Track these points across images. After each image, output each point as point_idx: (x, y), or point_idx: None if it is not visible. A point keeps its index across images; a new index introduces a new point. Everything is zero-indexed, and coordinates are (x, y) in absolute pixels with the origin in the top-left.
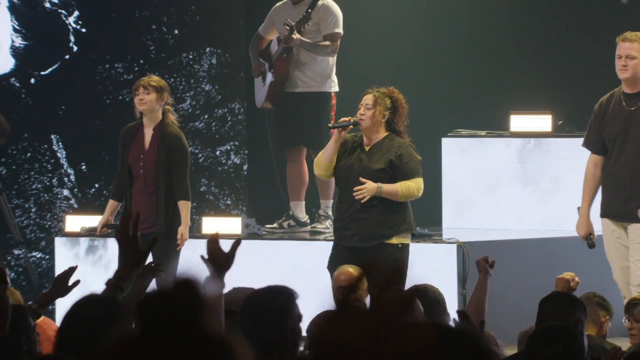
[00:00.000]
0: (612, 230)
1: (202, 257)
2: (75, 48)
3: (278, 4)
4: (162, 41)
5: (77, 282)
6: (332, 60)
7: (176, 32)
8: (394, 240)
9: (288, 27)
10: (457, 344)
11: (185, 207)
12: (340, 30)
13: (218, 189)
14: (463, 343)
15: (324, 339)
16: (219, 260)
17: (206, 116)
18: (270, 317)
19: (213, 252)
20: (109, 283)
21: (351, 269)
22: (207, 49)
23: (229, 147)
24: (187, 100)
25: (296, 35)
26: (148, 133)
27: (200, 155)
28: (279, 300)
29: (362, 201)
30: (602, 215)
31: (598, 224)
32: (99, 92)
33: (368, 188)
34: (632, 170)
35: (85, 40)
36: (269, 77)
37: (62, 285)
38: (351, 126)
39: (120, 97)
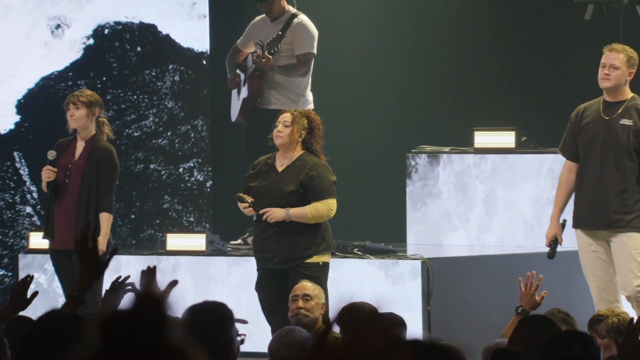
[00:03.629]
0: (589, 243)
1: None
2: (38, 65)
3: (257, 18)
4: (125, 58)
5: (35, 294)
6: (307, 78)
7: (139, 49)
8: (314, 259)
9: (260, 46)
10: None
11: (106, 219)
12: (313, 50)
13: (181, 206)
14: (441, 357)
15: None
16: (92, 267)
17: (169, 133)
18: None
19: (89, 258)
20: (71, 295)
21: (309, 284)
22: (170, 66)
23: (192, 164)
24: (150, 117)
25: (266, 59)
26: (80, 146)
27: (163, 172)
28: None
29: (269, 220)
30: (575, 225)
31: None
32: (61, 109)
33: (275, 213)
34: (607, 179)
35: (48, 57)
36: (243, 92)
37: (21, 297)
38: (249, 205)
39: None
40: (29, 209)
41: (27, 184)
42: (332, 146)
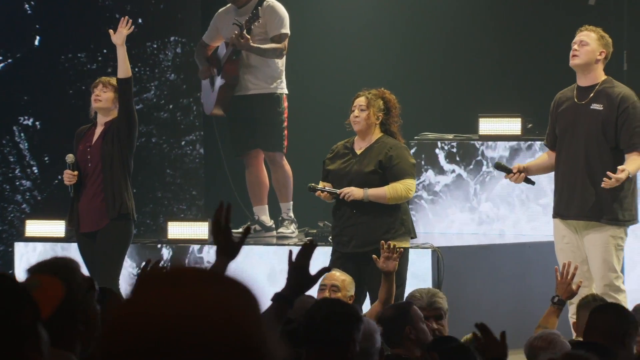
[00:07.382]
0: (562, 235)
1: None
2: (37, 37)
3: (221, 10)
4: None
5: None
6: (282, 62)
7: (140, 21)
8: None
9: (238, 26)
10: None
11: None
12: (287, 30)
13: (182, 180)
14: None
15: None
16: (226, 247)
17: (171, 106)
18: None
19: (223, 238)
20: None
21: (338, 274)
22: (172, 38)
23: (194, 137)
24: (152, 90)
25: (245, 39)
26: (99, 130)
27: (165, 145)
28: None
29: (346, 199)
30: (554, 215)
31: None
32: (62, 80)
33: (353, 191)
34: (581, 167)
35: (47, 30)
36: (218, 81)
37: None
38: (327, 194)
39: (83, 87)
40: (18, 197)
41: (17, 171)
42: (334, 135)
